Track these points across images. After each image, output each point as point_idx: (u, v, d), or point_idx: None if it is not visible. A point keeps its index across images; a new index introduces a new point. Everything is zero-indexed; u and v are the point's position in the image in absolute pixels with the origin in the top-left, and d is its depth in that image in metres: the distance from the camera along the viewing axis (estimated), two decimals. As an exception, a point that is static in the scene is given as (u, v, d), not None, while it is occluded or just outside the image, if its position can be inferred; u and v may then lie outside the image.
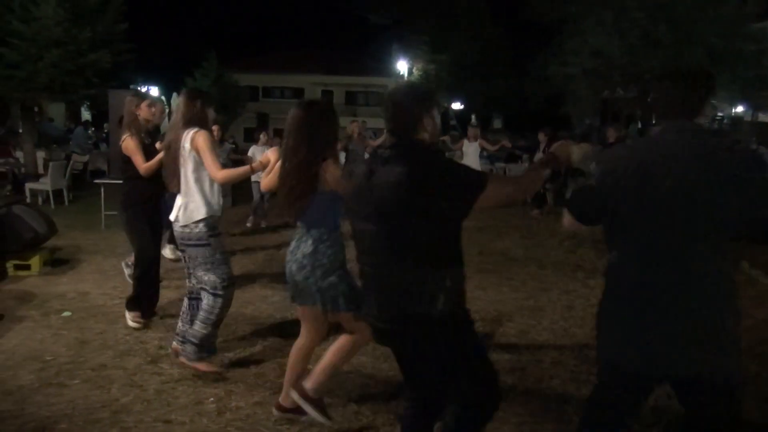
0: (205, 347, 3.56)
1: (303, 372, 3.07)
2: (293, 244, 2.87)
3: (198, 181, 3.47)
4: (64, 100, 13.06)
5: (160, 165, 3.91)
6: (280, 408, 3.07)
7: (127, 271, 5.07)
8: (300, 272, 2.79)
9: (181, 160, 3.48)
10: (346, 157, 9.04)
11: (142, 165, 4.12)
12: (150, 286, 4.38)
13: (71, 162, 11.53)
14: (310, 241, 2.78)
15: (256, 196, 8.79)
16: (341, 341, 2.89)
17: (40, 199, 10.26)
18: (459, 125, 25.70)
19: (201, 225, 3.47)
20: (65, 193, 10.54)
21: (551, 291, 5.61)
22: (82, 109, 20.15)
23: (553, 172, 2.27)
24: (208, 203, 3.49)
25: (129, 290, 4.50)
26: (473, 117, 27.38)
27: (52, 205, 9.89)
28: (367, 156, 10.00)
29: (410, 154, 2.08)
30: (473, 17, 29.12)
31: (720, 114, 20.09)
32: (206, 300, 3.53)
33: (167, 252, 6.26)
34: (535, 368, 3.81)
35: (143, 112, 4.21)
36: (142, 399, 3.32)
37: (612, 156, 2.08)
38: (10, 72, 10.58)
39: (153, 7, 27.73)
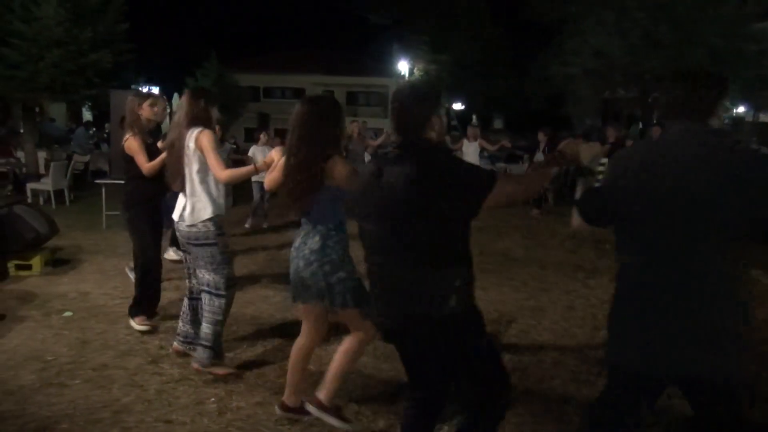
0: (216, 349, 3.56)
1: (304, 372, 3.07)
2: (298, 241, 2.86)
3: (204, 180, 3.46)
4: (66, 100, 13.09)
5: (163, 164, 3.90)
6: (284, 407, 3.07)
7: (132, 275, 5.06)
8: (307, 268, 2.77)
9: (186, 160, 3.47)
10: (346, 157, 9.03)
11: (146, 165, 4.11)
12: (151, 286, 4.38)
13: (72, 162, 11.54)
14: (317, 237, 2.77)
15: (256, 196, 8.79)
16: (346, 344, 2.88)
17: (41, 199, 10.27)
18: (460, 125, 25.70)
19: (209, 224, 3.46)
20: (66, 193, 10.55)
21: (552, 291, 5.61)
22: (84, 109, 20.19)
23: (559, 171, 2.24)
24: (214, 202, 3.49)
25: (133, 291, 4.49)
26: (474, 117, 27.38)
27: (54, 205, 9.90)
28: (367, 156, 10.02)
29: (419, 154, 2.07)
30: (474, 17, 29.14)
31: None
32: (209, 301, 3.52)
33: (171, 254, 6.26)
34: (535, 368, 3.81)
35: (145, 111, 4.20)
36: (143, 399, 3.32)
37: (619, 158, 2.08)
38: (11, 72, 10.60)
39: (154, 7, 27.76)
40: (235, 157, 11.74)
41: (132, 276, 5.03)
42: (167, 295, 4.97)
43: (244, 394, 3.39)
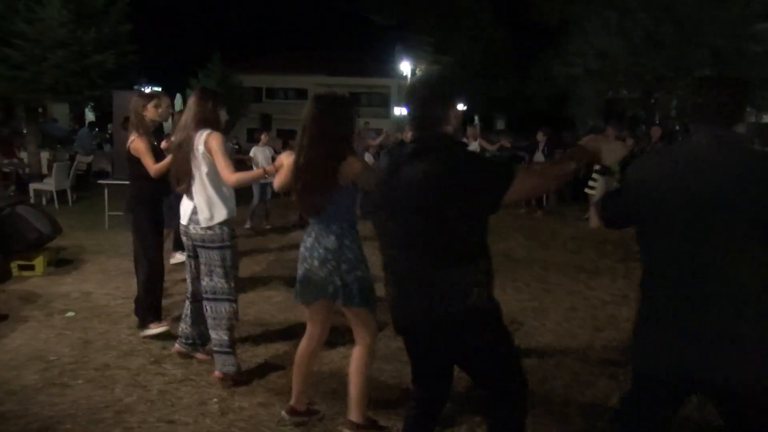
0: (234, 353, 3.55)
1: (309, 374, 3.05)
2: (309, 241, 2.82)
3: (215, 183, 3.42)
4: (68, 100, 13.14)
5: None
6: (293, 412, 3.04)
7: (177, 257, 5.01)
8: (323, 268, 2.74)
9: (194, 162, 3.43)
10: None
11: (153, 166, 4.07)
12: (155, 288, 4.34)
13: (75, 162, 11.57)
14: (332, 237, 2.74)
15: (255, 197, 8.78)
16: (356, 359, 2.82)
17: (44, 200, 10.30)
18: (462, 126, 25.68)
19: (224, 227, 3.44)
20: (69, 194, 10.58)
21: (554, 292, 5.60)
22: (87, 110, 20.23)
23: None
24: (227, 204, 3.46)
25: (135, 292, 4.49)
26: (476, 118, 27.39)
27: (56, 206, 9.93)
28: (368, 156, 10.02)
29: (438, 149, 2.05)
30: (476, 18, 29.15)
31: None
32: (220, 307, 3.47)
33: (177, 257, 6.22)
34: (538, 370, 3.80)
35: (150, 112, 4.17)
36: (145, 399, 3.33)
37: (642, 162, 2.05)
38: (14, 73, 10.63)
39: (157, 8, 27.78)
40: (238, 158, 11.75)
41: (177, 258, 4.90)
42: (169, 296, 4.99)
43: (246, 395, 3.39)
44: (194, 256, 3.64)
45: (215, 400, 3.33)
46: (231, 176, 3.33)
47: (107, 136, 18.29)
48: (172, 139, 4.29)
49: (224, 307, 3.49)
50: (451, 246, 2.01)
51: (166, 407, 3.24)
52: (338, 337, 3.88)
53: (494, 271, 2.13)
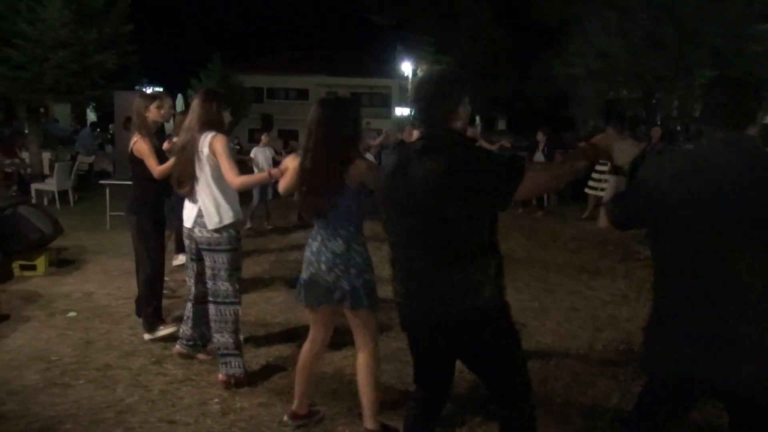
0: (241, 354, 3.55)
1: (312, 377, 3.04)
2: (315, 245, 2.79)
3: (222, 185, 3.40)
4: (70, 101, 13.16)
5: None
6: (295, 416, 3.03)
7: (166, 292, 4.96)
8: (331, 272, 2.71)
9: (199, 165, 3.41)
10: None
11: (156, 168, 4.04)
12: (157, 290, 4.33)
13: (77, 163, 11.58)
14: (340, 241, 2.71)
15: (256, 198, 8.78)
16: (362, 362, 2.80)
17: (45, 200, 10.32)
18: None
19: (231, 230, 3.43)
20: (71, 194, 10.59)
21: (555, 293, 5.61)
22: (88, 110, 20.25)
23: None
24: (234, 206, 3.45)
25: (136, 292, 4.49)
26: (477, 118, 27.37)
27: (58, 206, 9.94)
28: (368, 156, 10.02)
29: (448, 146, 2.04)
30: (476, 18, 29.14)
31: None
32: (226, 309, 3.46)
33: (180, 259, 6.22)
34: (539, 370, 3.80)
35: (152, 113, 4.14)
36: (146, 399, 3.33)
37: (654, 165, 2.04)
38: (16, 73, 10.65)
39: (158, 8, 27.80)
40: (238, 158, 11.75)
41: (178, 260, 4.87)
42: (170, 297, 5.00)
43: (247, 395, 3.40)
44: (197, 259, 3.62)
45: (216, 400, 3.34)
46: (236, 179, 3.32)
47: (109, 136, 18.32)
48: (174, 140, 4.29)
49: (230, 310, 3.49)
50: (462, 242, 2.00)
51: (167, 407, 3.25)
52: (339, 337, 3.87)
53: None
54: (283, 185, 2.97)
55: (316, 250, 2.78)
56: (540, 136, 10.76)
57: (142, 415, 3.16)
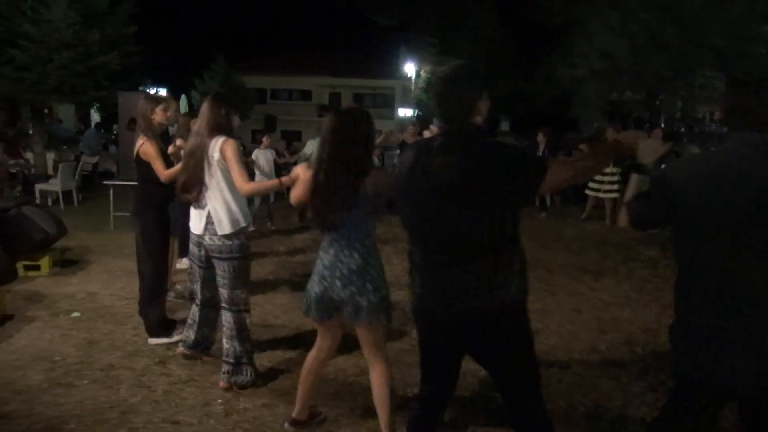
0: (253, 362, 3.55)
1: (316, 384, 3.03)
2: (327, 258, 2.70)
3: (232, 190, 3.37)
4: (74, 101, 13.16)
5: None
6: (295, 423, 3.02)
7: (171, 295, 4.94)
8: (345, 289, 2.63)
9: (209, 169, 3.37)
10: None
11: (164, 172, 4.01)
12: (160, 294, 4.31)
13: (81, 163, 11.62)
14: (356, 255, 2.63)
15: (257, 200, 8.79)
16: (378, 379, 2.75)
17: (49, 200, 10.35)
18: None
19: (242, 236, 3.42)
20: (75, 194, 10.62)
21: (558, 294, 5.60)
22: (92, 110, 20.30)
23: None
24: (243, 210, 3.43)
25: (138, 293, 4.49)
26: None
27: (62, 206, 9.97)
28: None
29: (469, 141, 2.02)
30: (479, 19, 29.13)
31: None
32: (235, 317, 3.46)
33: (184, 262, 6.22)
34: (542, 372, 3.78)
35: (158, 116, 4.12)
36: (150, 400, 3.34)
37: (677, 167, 2.03)
38: (20, 74, 10.67)
39: (161, 9, 27.83)
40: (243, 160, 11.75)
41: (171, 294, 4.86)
42: (174, 297, 5.00)
43: (250, 396, 3.41)
44: (206, 266, 3.57)
45: (219, 401, 3.35)
46: (245, 186, 3.30)
47: (112, 136, 18.36)
48: (177, 143, 4.29)
49: (243, 317, 3.50)
50: (487, 238, 1.99)
51: (171, 408, 3.26)
52: (341, 339, 3.88)
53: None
54: (295, 197, 2.88)
55: (329, 264, 2.69)
56: (540, 137, 10.72)
57: (146, 416, 3.17)
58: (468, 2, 29.04)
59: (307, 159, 8.86)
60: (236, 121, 3.50)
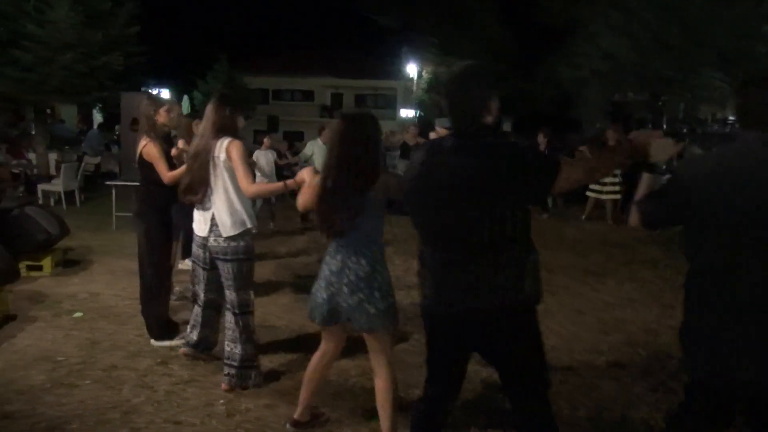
0: (258, 365, 3.54)
1: (319, 387, 3.03)
2: (335, 264, 2.66)
3: (238, 191, 3.36)
4: (76, 102, 13.19)
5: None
6: (296, 424, 3.02)
7: (172, 297, 4.89)
8: (353, 296, 2.60)
9: (215, 171, 3.36)
10: None
11: (167, 173, 3.98)
12: (162, 296, 4.29)
13: (83, 163, 11.64)
14: (364, 262, 2.60)
15: (259, 201, 8.78)
16: (383, 386, 2.73)
17: (52, 200, 10.37)
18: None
19: (247, 237, 3.41)
20: (77, 195, 10.64)
21: (560, 295, 5.60)
22: (95, 111, 20.33)
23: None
24: (248, 212, 3.42)
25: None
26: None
27: (64, 206, 10.00)
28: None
29: (480, 141, 2.03)
30: (481, 19, 29.12)
31: (732, 118, 19.95)
32: (239, 320, 3.45)
33: (186, 263, 6.21)
34: (543, 372, 3.80)
35: (162, 117, 4.10)
36: (152, 400, 3.35)
37: (688, 166, 2.02)
38: (23, 74, 10.68)
39: (164, 10, 27.88)
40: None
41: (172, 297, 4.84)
42: (175, 299, 5.01)
43: (252, 396, 3.41)
44: (210, 268, 3.56)
45: (222, 401, 3.35)
46: (250, 188, 3.30)
47: (115, 137, 18.39)
48: (179, 144, 4.29)
49: (249, 320, 3.49)
50: (499, 238, 1.99)
51: (173, 408, 3.26)
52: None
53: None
54: (302, 203, 2.83)
55: (336, 270, 2.65)
56: (540, 138, 10.73)
57: (148, 416, 3.17)
58: (469, 2, 29.03)
59: (307, 160, 8.87)
60: (241, 122, 3.49)
